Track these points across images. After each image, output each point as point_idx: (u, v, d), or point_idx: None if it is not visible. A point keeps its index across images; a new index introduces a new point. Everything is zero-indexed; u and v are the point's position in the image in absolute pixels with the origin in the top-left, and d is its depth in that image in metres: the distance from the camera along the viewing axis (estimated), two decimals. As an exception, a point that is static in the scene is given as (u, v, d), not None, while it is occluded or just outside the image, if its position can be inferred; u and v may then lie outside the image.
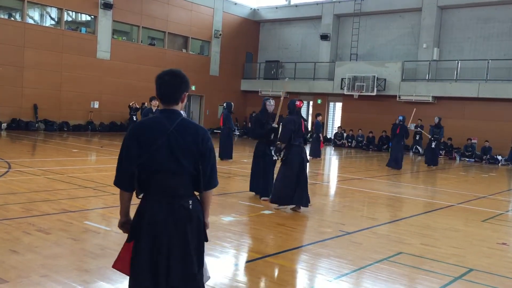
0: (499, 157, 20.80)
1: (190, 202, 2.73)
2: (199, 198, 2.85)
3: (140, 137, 2.70)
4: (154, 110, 11.23)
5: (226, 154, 14.44)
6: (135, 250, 2.73)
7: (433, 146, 17.10)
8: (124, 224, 2.89)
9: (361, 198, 9.76)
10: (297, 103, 7.84)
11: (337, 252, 5.54)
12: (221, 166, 12.99)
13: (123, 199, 2.84)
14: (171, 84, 2.78)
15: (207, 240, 2.85)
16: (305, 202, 7.65)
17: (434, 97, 23.05)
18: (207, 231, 2.90)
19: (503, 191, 12.57)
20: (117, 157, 2.80)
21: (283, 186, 7.57)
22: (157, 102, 11.19)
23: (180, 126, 2.72)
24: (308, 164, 7.98)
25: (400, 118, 16.06)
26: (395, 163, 15.38)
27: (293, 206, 7.69)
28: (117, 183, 2.80)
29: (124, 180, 2.75)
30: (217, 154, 15.26)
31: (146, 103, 22.16)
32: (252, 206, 7.91)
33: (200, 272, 2.78)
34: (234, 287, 4.34)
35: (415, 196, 10.38)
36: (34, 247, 4.91)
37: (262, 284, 4.54)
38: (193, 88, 27.44)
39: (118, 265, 2.88)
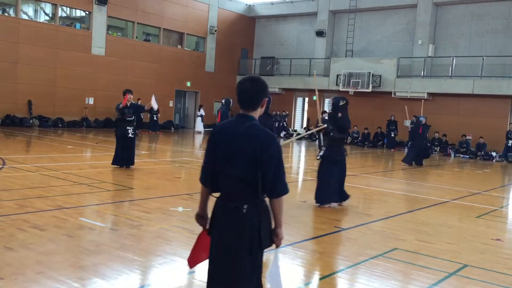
0: (494, 153, 20.88)
1: (245, 206, 2.76)
2: (269, 204, 2.86)
3: (213, 139, 2.89)
4: (129, 104, 10.66)
5: None
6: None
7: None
8: (199, 217, 3.03)
9: (356, 194, 9.78)
10: None
11: (333, 248, 5.56)
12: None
13: (202, 193, 3.02)
14: (250, 90, 2.86)
15: (261, 247, 2.84)
16: None
17: (429, 94, 23.10)
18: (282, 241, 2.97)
19: (498, 187, 12.63)
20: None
21: None
22: (131, 96, 10.66)
23: (247, 131, 2.79)
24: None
25: (422, 118, 16.47)
26: (418, 158, 16.14)
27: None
28: (200, 178, 2.99)
29: (205, 178, 2.94)
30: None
31: (140, 100, 22.14)
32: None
33: (255, 277, 2.85)
34: (229, 284, 4.34)
35: (410, 192, 10.41)
36: (28, 244, 4.90)
37: (258, 280, 4.54)
38: (188, 84, 27.41)
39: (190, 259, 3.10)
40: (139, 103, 12.96)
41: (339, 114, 8.08)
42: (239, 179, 2.76)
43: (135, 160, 10.94)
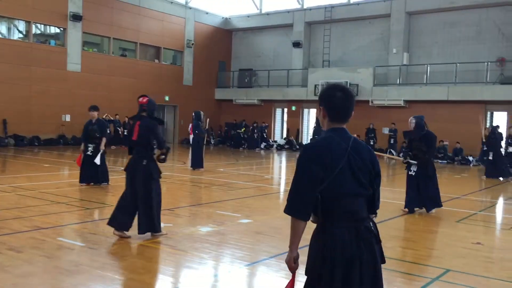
0: (471, 158, 21.24)
1: (371, 224, 2.63)
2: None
3: (321, 159, 2.50)
4: (94, 121, 10.38)
5: (197, 164, 14.32)
6: (327, 283, 2.51)
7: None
8: (295, 260, 2.61)
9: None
10: (139, 99, 6.34)
11: (316, 259, 5.52)
12: (193, 176, 12.90)
13: (299, 230, 2.55)
14: (347, 101, 2.63)
15: (384, 262, 2.72)
16: (144, 228, 6.04)
17: (406, 101, 23.43)
18: None
19: (476, 191, 12.82)
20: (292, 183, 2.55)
21: (118, 207, 6.24)
22: (96, 114, 10.35)
23: (355, 145, 2.60)
24: (149, 181, 6.12)
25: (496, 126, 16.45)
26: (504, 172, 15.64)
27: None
28: (293, 212, 2.53)
29: (304, 207, 2.51)
30: (187, 163, 14.83)
31: (117, 116, 21.93)
32: (229, 215, 7.85)
33: None
34: (213, 299, 4.27)
35: (392, 199, 10.47)
36: (5, 267, 4.75)
37: (242, 294, 4.48)
38: (166, 98, 27.29)
39: None
40: (109, 119, 12.52)
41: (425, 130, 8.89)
42: (364, 196, 2.59)
43: (110, 177, 10.71)
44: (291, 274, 2.67)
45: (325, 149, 2.54)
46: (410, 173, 8.89)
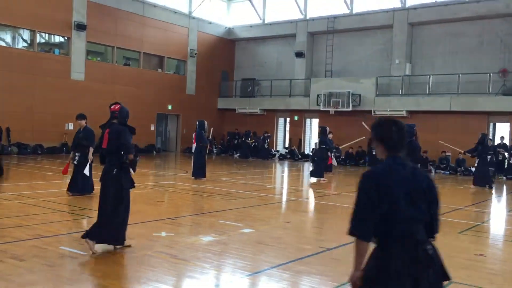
0: (473, 169, 21.15)
1: (430, 247, 2.73)
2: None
3: (381, 185, 2.70)
4: (82, 129, 10.16)
5: (199, 173, 14.30)
6: None
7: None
8: (358, 279, 2.76)
9: (340, 213, 9.79)
10: (111, 106, 6.20)
11: (318, 269, 5.52)
12: (195, 185, 12.90)
13: (362, 250, 2.74)
14: (403, 133, 2.85)
15: (448, 279, 2.80)
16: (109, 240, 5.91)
17: (408, 111, 23.46)
18: None
19: (478, 202, 12.78)
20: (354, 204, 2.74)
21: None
22: (84, 122, 10.14)
23: (413, 172, 2.78)
24: (124, 192, 6.01)
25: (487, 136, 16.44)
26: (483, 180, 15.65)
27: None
28: (356, 233, 2.73)
29: (365, 229, 2.71)
30: (190, 172, 14.76)
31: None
32: (231, 225, 7.85)
33: None
34: (215, 309, 4.27)
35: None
36: (6, 275, 4.76)
37: (244, 304, 4.48)
38: (169, 107, 27.38)
39: None
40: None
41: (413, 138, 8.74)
42: (422, 221, 2.74)
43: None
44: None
45: (385, 175, 2.73)
46: None
